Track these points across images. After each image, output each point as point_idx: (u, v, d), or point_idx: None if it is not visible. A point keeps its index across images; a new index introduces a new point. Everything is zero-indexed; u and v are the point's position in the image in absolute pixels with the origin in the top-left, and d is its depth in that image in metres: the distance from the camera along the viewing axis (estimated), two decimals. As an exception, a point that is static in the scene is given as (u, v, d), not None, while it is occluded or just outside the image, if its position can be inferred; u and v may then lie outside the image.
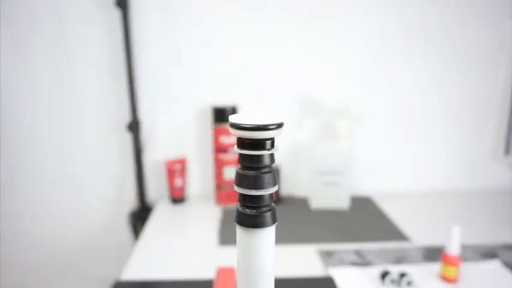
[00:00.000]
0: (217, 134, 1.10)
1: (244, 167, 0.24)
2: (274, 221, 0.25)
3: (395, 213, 1.08)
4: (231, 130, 0.23)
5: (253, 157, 0.24)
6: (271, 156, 0.24)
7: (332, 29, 1.13)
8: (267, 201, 0.25)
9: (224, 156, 1.10)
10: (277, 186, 0.25)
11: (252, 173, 0.24)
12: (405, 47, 1.15)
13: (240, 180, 0.24)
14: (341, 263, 0.83)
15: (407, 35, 1.14)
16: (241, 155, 0.24)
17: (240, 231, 0.25)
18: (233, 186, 0.25)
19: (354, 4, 1.11)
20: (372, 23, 1.13)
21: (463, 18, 1.14)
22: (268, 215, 0.25)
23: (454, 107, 1.21)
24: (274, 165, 0.25)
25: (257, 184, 0.24)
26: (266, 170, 0.24)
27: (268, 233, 0.25)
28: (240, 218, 0.25)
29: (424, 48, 1.15)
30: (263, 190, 0.24)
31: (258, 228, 0.24)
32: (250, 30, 1.12)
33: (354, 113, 1.16)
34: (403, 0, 1.12)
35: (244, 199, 0.25)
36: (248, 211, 0.24)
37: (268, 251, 0.25)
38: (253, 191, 0.24)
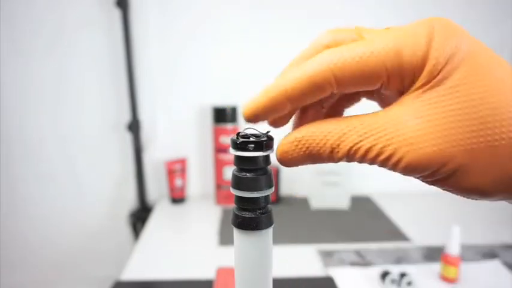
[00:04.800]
0: (217, 134, 1.10)
1: (240, 169, 0.24)
2: (270, 223, 0.25)
3: (395, 213, 1.08)
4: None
5: (248, 159, 0.24)
6: (267, 157, 0.24)
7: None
8: (263, 203, 0.25)
9: (224, 156, 1.10)
10: (273, 188, 0.25)
11: (247, 175, 0.24)
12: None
13: (236, 182, 0.24)
14: (341, 263, 0.83)
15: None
16: (236, 156, 0.24)
17: (236, 234, 0.25)
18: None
19: (354, 4, 1.11)
20: (372, 23, 1.13)
21: (463, 18, 1.14)
22: (264, 217, 0.24)
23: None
24: (270, 166, 0.25)
25: (253, 186, 0.24)
26: (262, 171, 0.24)
27: (265, 235, 0.25)
28: (237, 220, 0.25)
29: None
30: (259, 192, 0.24)
31: (255, 231, 0.24)
32: (251, 30, 1.12)
33: (353, 113, 1.16)
34: (402, 1, 1.12)
35: (240, 201, 0.25)
36: (245, 213, 0.24)
37: (265, 253, 0.25)
38: (248, 193, 0.24)
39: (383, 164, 0.21)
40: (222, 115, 1.09)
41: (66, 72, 1.11)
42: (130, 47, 1.06)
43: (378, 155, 0.21)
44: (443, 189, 0.22)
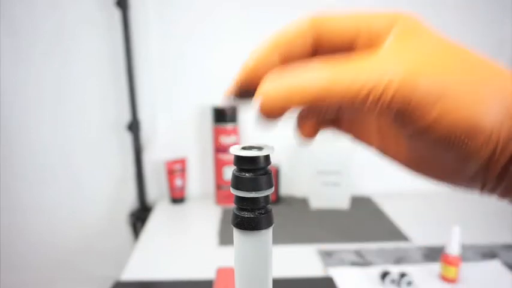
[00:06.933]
0: (217, 134, 1.10)
1: (239, 169, 0.24)
2: (270, 223, 0.25)
3: (395, 213, 1.08)
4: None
5: (248, 159, 0.24)
6: (267, 157, 0.24)
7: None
8: (263, 203, 0.25)
9: (224, 156, 1.10)
10: (273, 188, 0.25)
11: (247, 175, 0.24)
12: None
13: (236, 183, 0.24)
14: (341, 263, 0.83)
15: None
16: (236, 156, 0.24)
17: (236, 234, 0.25)
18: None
19: (353, 4, 1.11)
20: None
21: (463, 19, 1.14)
22: (264, 217, 0.24)
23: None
24: (270, 166, 0.25)
25: (253, 186, 0.24)
26: (262, 171, 0.24)
27: (265, 235, 0.25)
28: (236, 220, 0.25)
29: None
30: (259, 192, 0.24)
31: (254, 231, 0.24)
32: (251, 30, 1.12)
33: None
34: (401, 2, 1.12)
35: (240, 201, 0.25)
36: (244, 213, 0.24)
37: (265, 254, 0.25)
38: (248, 193, 0.24)
39: (375, 103, 0.20)
40: (222, 115, 1.09)
41: (66, 72, 1.11)
42: (130, 46, 1.06)
43: (368, 93, 0.20)
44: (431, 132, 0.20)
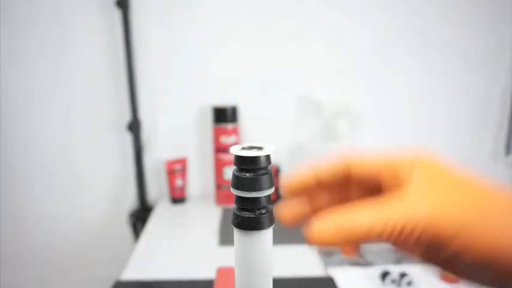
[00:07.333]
0: (217, 134, 1.10)
1: (239, 169, 0.24)
2: (271, 222, 0.25)
3: (396, 213, 1.08)
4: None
5: (249, 159, 0.24)
6: (268, 157, 0.24)
7: (332, 30, 1.13)
8: (263, 203, 0.25)
9: (224, 156, 1.10)
10: (273, 188, 0.25)
11: (248, 175, 0.24)
12: (404, 49, 1.15)
13: (236, 183, 0.24)
14: (341, 263, 0.83)
15: (406, 36, 1.14)
16: (237, 156, 0.24)
17: (237, 234, 0.25)
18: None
19: (353, 6, 1.11)
20: (371, 25, 1.13)
21: (463, 19, 1.14)
22: (265, 217, 0.25)
23: (454, 107, 1.20)
24: (271, 165, 0.25)
25: (253, 186, 0.24)
26: (263, 171, 0.24)
27: (266, 234, 0.25)
28: (237, 220, 0.25)
29: (423, 49, 1.15)
30: (260, 192, 0.24)
31: (255, 231, 0.24)
32: (251, 30, 1.12)
33: (354, 113, 1.16)
34: (401, 2, 1.12)
35: (241, 201, 0.25)
36: (245, 213, 0.24)
37: (266, 253, 0.25)
38: (249, 193, 0.24)
39: (407, 239, 0.24)
40: (222, 115, 1.08)
41: (66, 72, 1.11)
42: (130, 46, 1.06)
43: (402, 230, 0.24)
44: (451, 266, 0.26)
